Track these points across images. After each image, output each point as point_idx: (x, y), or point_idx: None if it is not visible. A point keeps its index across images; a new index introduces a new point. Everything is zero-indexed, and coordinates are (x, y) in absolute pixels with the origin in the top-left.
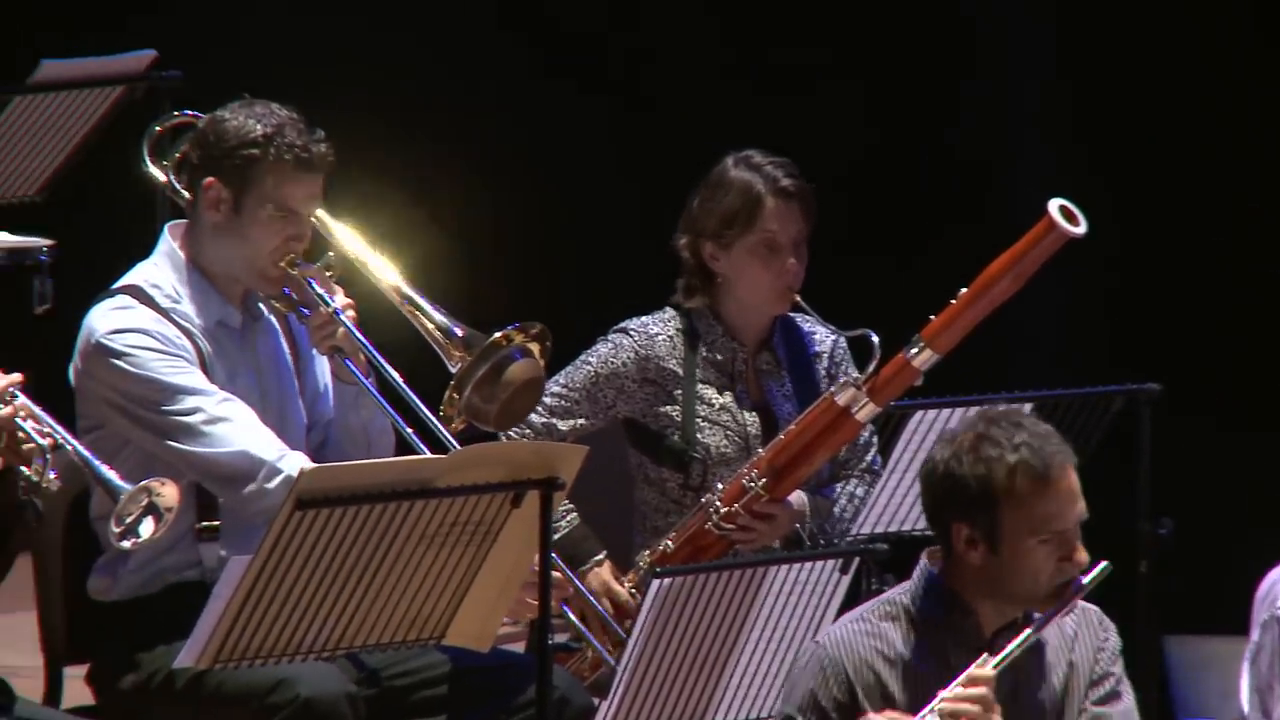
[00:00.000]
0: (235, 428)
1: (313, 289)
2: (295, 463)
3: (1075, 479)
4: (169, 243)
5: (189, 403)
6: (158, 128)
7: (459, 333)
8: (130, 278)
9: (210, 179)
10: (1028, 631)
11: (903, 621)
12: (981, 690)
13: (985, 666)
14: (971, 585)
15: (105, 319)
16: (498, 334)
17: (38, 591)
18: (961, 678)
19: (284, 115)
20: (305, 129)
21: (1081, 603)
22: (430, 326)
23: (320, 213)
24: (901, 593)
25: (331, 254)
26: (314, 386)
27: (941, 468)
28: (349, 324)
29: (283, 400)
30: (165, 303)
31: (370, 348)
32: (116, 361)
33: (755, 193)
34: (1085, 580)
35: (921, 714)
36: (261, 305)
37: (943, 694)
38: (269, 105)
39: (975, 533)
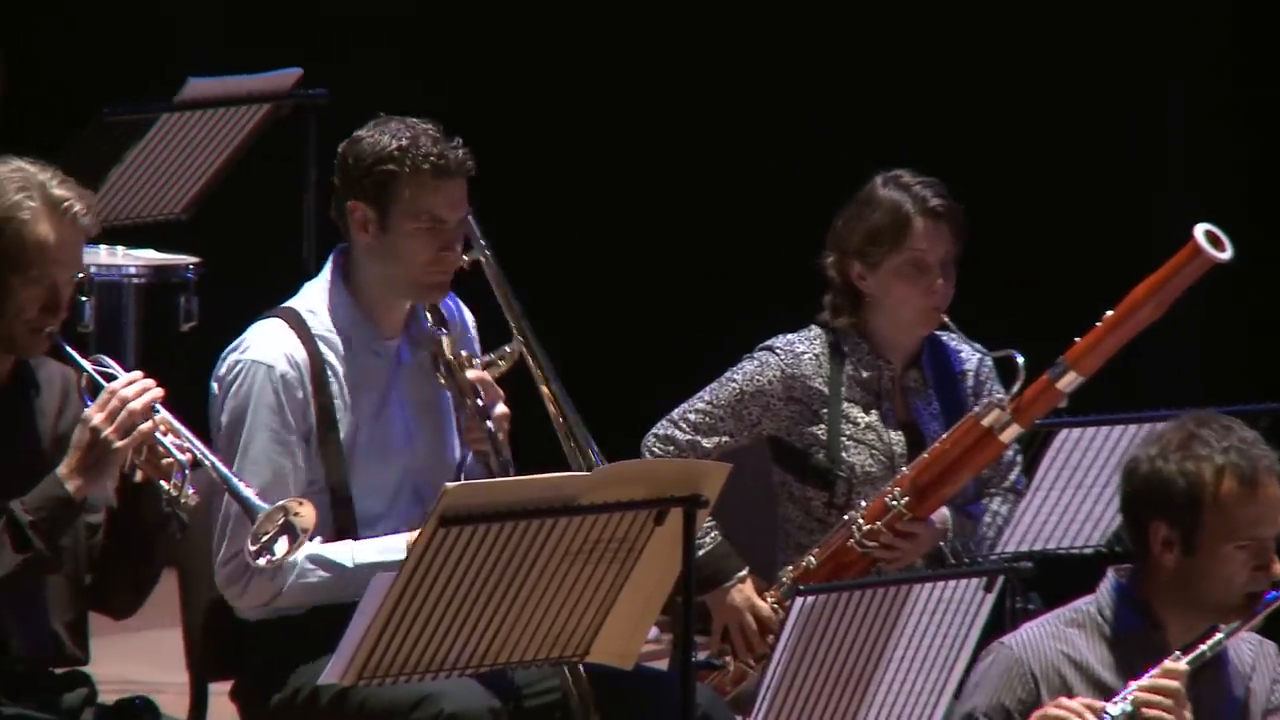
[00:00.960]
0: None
1: (468, 393)
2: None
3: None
4: (332, 268)
5: (249, 472)
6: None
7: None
8: (293, 300)
9: (354, 201)
10: (1219, 635)
11: (1089, 629)
12: (1174, 683)
13: (1179, 662)
14: (1163, 591)
15: (251, 338)
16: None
17: (183, 608)
18: (1154, 670)
19: (418, 127)
20: (440, 137)
21: (1258, 636)
22: (571, 446)
23: (510, 300)
24: (1087, 603)
25: (509, 347)
26: None
27: (1146, 465)
28: (496, 433)
29: (436, 434)
30: (319, 330)
31: (511, 465)
32: (231, 384)
33: (904, 212)
34: (1276, 595)
35: (1114, 700)
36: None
37: (1134, 684)
38: (403, 120)
39: (1173, 533)
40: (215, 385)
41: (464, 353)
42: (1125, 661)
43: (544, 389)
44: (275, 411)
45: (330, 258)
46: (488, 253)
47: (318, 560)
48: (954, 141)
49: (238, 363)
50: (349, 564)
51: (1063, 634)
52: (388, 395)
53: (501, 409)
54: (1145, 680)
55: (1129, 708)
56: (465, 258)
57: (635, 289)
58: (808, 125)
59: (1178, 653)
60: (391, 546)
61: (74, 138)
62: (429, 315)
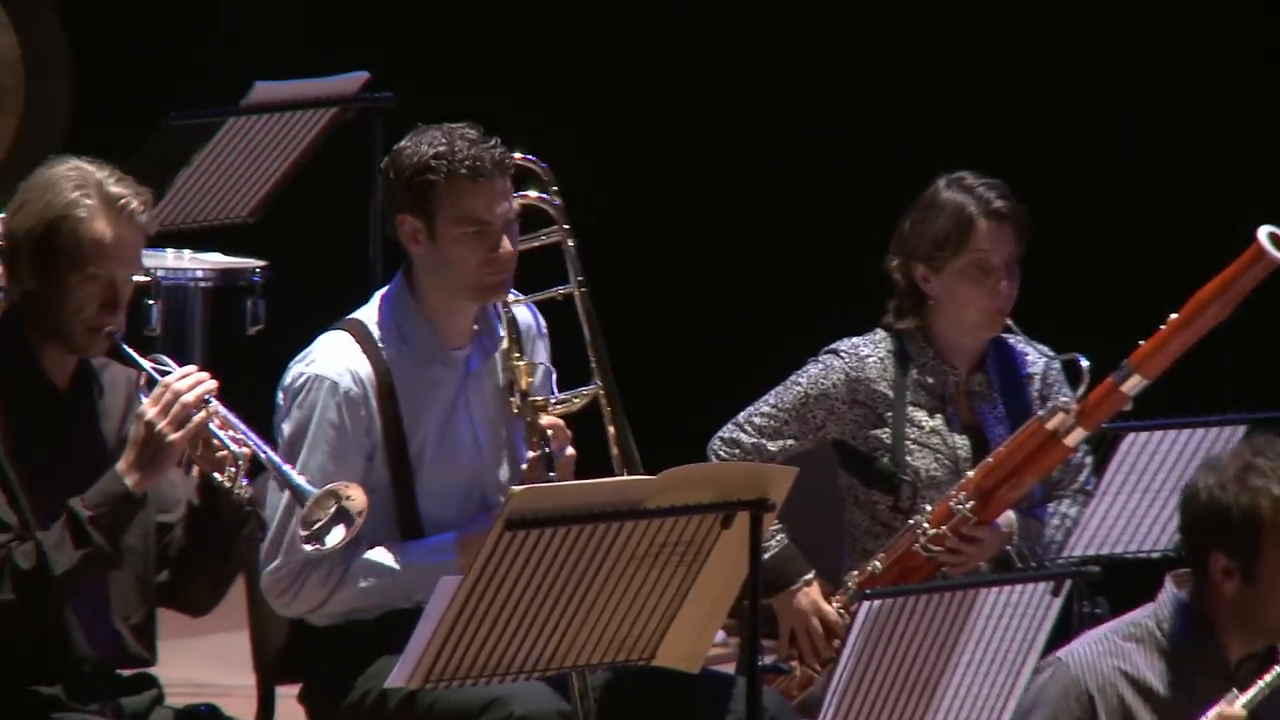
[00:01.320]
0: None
1: (539, 435)
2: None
3: None
4: (399, 281)
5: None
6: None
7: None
8: (360, 311)
9: (401, 215)
10: (1278, 670)
11: (1148, 644)
12: None
13: (1234, 705)
14: (1223, 615)
15: (317, 351)
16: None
17: (250, 611)
18: (1210, 715)
19: (455, 132)
20: (477, 139)
21: None
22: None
23: (598, 339)
24: (1146, 615)
25: (586, 390)
26: None
27: (1205, 494)
28: (560, 477)
29: (505, 443)
30: (385, 341)
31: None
32: (295, 396)
33: (967, 214)
34: None
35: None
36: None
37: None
38: (441, 126)
39: (1233, 563)
40: (281, 395)
41: (539, 399)
42: (1183, 678)
43: (611, 430)
44: (336, 428)
45: (400, 269)
46: (584, 289)
47: (365, 566)
48: (1024, 142)
49: (302, 375)
50: (397, 567)
51: (1120, 649)
52: (456, 405)
53: (569, 453)
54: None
55: None
56: (560, 291)
57: (698, 292)
58: (872, 127)
59: (1234, 691)
60: (440, 546)
61: (141, 141)
62: (504, 329)
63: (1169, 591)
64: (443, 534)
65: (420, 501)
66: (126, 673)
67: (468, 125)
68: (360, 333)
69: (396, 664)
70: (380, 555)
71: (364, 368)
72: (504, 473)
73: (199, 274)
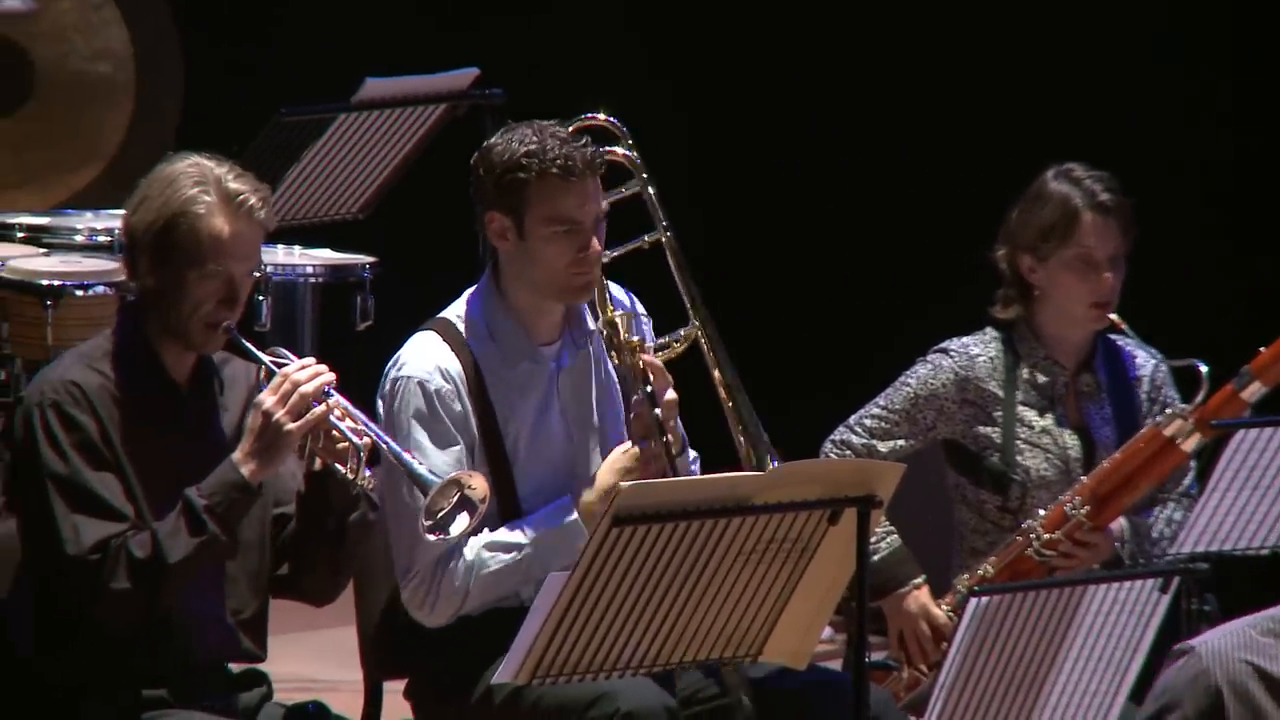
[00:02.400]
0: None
1: (639, 377)
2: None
3: None
4: (487, 278)
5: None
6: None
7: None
8: (447, 310)
9: (490, 212)
10: None
11: None
12: None
13: None
14: None
15: (406, 353)
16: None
17: (357, 607)
18: None
19: (545, 130)
20: (568, 138)
21: None
22: (741, 436)
23: (689, 282)
24: None
25: (683, 331)
26: None
27: None
28: (665, 420)
29: (600, 437)
30: (473, 340)
31: (684, 439)
32: (391, 402)
33: (1072, 206)
34: None
35: None
36: (589, 332)
37: None
38: (533, 124)
39: None
40: (380, 402)
41: (635, 338)
42: None
43: (716, 374)
44: (433, 422)
45: (488, 266)
46: (669, 234)
47: (494, 545)
48: (1141, 139)
49: (394, 380)
50: (525, 540)
51: (1256, 644)
52: (548, 401)
53: (671, 395)
54: None
55: None
56: (646, 238)
57: (808, 292)
58: (984, 122)
59: None
60: (556, 510)
61: (252, 138)
62: (590, 313)
63: None
64: (555, 501)
65: (520, 496)
66: (236, 668)
67: (558, 123)
68: (448, 331)
69: (503, 660)
70: (501, 535)
71: (453, 365)
72: (598, 466)
73: (309, 270)
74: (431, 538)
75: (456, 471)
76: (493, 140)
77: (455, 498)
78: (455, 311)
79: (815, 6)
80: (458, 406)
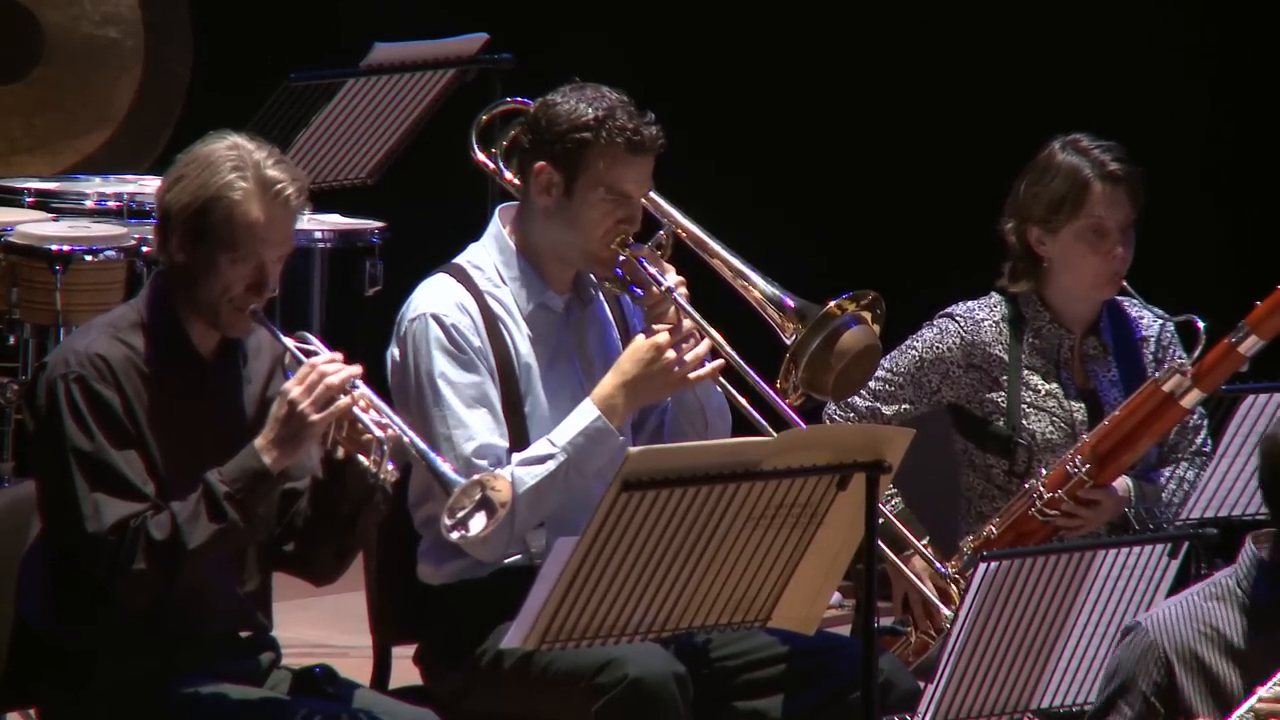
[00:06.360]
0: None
1: (644, 268)
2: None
3: None
4: (497, 226)
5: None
6: (484, 116)
7: (791, 304)
8: (457, 258)
9: (542, 163)
10: None
11: (1228, 601)
12: None
13: None
14: None
15: (417, 295)
16: (831, 304)
17: (367, 573)
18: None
19: (614, 98)
20: (636, 112)
21: None
22: (762, 299)
23: (651, 193)
24: (1227, 576)
25: (662, 232)
26: None
27: None
28: (682, 301)
29: None
30: (485, 285)
31: (704, 324)
32: (408, 343)
33: (1082, 177)
34: None
35: (1237, 712)
36: (593, 289)
37: (1261, 691)
38: (599, 88)
39: None
40: (396, 350)
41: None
42: (1264, 632)
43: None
44: (454, 352)
45: (495, 215)
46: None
47: (527, 460)
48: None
49: (411, 320)
50: (555, 449)
51: (1202, 610)
52: (561, 347)
53: (675, 276)
54: (1270, 688)
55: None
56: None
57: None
58: (983, 92)
59: None
60: (579, 414)
61: (261, 103)
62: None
63: (1249, 550)
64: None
65: (531, 440)
66: (245, 634)
67: (623, 94)
68: (460, 274)
69: (512, 625)
70: (532, 450)
71: (467, 299)
72: None
73: (318, 235)
74: (454, 536)
75: (481, 474)
76: (557, 96)
77: (478, 497)
78: (466, 258)
79: None
80: (475, 340)
